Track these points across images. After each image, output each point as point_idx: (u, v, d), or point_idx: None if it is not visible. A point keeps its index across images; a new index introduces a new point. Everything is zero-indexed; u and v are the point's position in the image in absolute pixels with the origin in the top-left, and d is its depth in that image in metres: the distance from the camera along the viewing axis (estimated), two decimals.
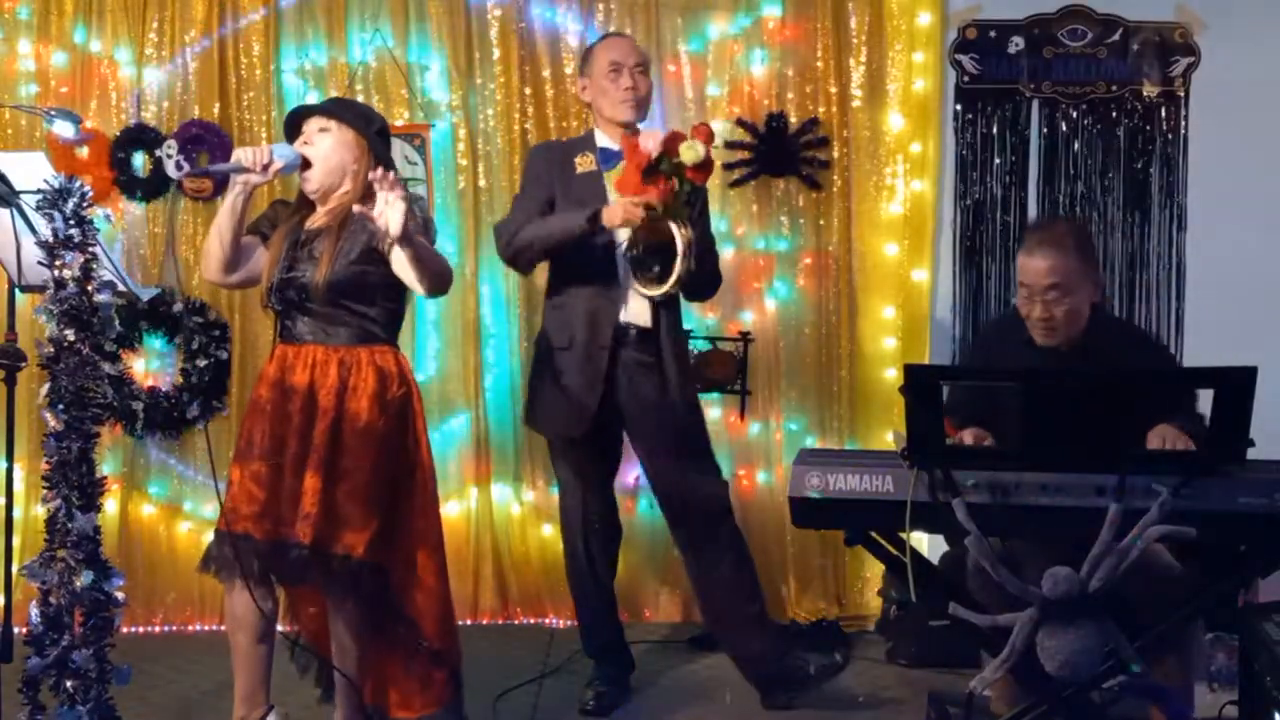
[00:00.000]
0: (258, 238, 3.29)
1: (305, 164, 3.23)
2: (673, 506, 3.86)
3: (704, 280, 3.83)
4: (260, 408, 3.20)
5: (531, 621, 4.74)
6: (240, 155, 3.11)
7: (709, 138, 3.62)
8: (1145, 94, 4.67)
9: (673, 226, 3.59)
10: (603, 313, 3.74)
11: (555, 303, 3.83)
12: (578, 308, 3.76)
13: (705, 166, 3.62)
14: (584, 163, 3.80)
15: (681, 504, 3.83)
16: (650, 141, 3.57)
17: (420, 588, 3.25)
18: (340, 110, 3.30)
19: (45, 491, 2.75)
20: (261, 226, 3.31)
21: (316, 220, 3.27)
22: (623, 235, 3.69)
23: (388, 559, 3.19)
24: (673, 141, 3.58)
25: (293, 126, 3.31)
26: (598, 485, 3.91)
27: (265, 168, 3.11)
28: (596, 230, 3.61)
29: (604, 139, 3.81)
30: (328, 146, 3.23)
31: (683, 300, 3.87)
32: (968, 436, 3.14)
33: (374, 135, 3.28)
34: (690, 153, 3.56)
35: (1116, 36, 4.68)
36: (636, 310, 3.76)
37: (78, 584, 2.70)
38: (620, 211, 3.57)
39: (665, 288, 3.66)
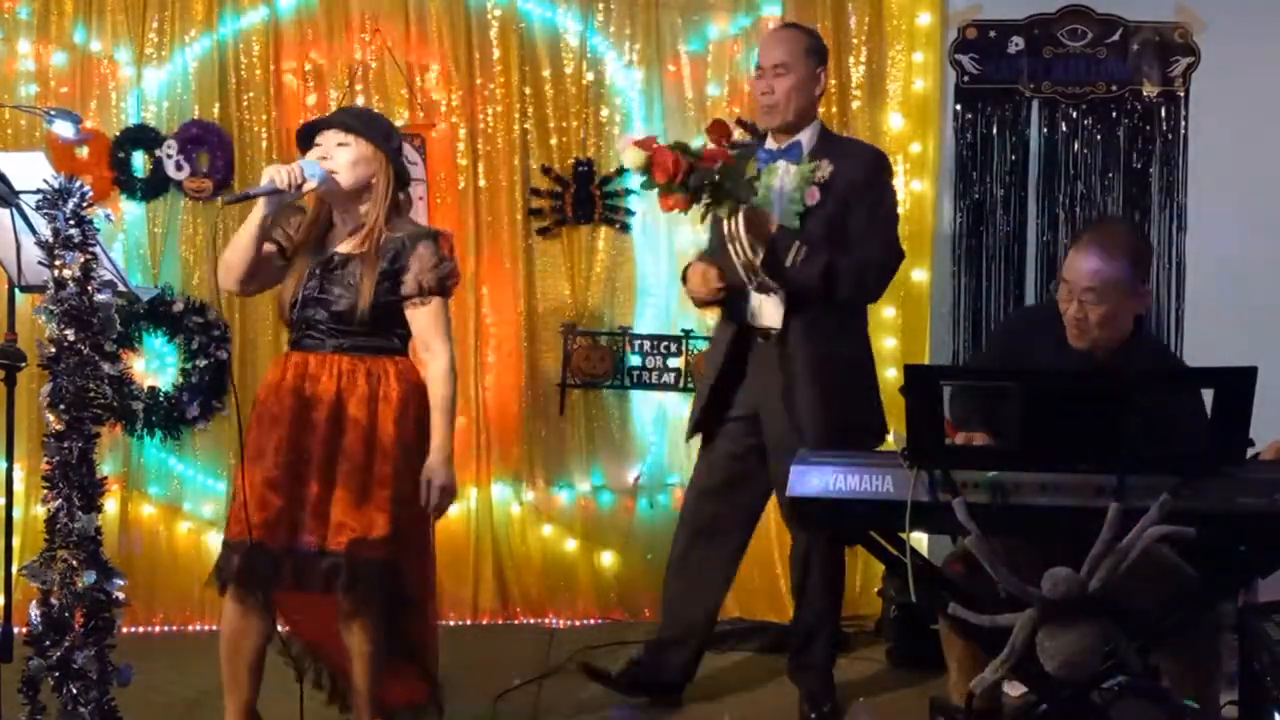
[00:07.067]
0: (274, 246, 3.29)
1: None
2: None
3: (817, 282, 3.55)
4: (275, 415, 3.19)
5: (531, 621, 4.74)
6: (274, 176, 3.09)
7: (725, 133, 3.43)
8: (1145, 94, 4.68)
9: (726, 223, 3.42)
10: (727, 314, 3.73)
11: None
12: (724, 310, 3.76)
13: (658, 165, 3.31)
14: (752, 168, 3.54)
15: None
16: (627, 158, 3.36)
17: (426, 590, 3.31)
18: (359, 125, 3.26)
19: (45, 492, 2.74)
20: (275, 234, 3.29)
21: (342, 243, 3.27)
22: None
23: (403, 561, 3.20)
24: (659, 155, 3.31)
25: (307, 138, 3.28)
26: (713, 487, 3.78)
27: (298, 187, 3.12)
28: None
29: (770, 140, 3.72)
30: (347, 161, 3.20)
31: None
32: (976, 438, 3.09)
33: (393, 151, 3.27)
34: (630, 157, 3.34)
35: (1116, 36, 4.68)
36: (768, 313, 3.65)
37: (79, 584, 2.70)
38: (691, 280, 3.65)
39: (751, 286, 3.56)
